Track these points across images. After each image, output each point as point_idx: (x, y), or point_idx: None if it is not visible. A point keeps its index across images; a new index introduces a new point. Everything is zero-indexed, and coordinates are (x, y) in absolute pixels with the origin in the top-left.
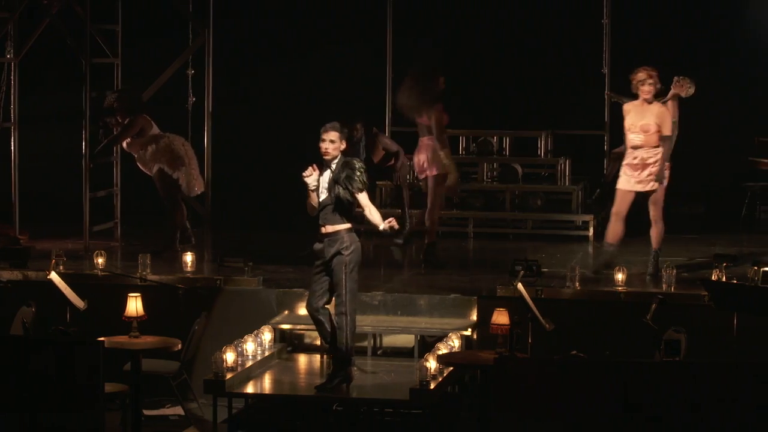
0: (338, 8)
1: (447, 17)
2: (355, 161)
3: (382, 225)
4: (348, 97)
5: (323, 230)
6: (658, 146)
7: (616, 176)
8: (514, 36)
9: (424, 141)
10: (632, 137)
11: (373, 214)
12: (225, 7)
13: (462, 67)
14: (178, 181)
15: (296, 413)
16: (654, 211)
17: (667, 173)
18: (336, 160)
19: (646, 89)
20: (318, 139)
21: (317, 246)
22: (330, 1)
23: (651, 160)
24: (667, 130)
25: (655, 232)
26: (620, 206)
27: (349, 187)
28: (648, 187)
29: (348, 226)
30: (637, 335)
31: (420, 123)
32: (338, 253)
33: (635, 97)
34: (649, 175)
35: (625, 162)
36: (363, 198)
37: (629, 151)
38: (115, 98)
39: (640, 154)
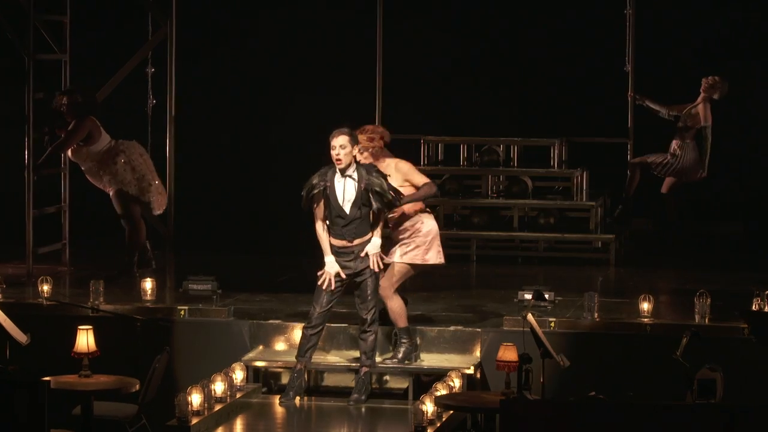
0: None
1: (448, 12)
2: (374, 171)
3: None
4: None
5: (349, 243)
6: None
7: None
8: (523, 29)
9: None
10: None
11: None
12: None
13: (464, 66)
14: (150, 205)
15: None
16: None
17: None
18: (352, 168)
19: (363, 154)
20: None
21: (335, 266)
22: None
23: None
24: (419, 179)
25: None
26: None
27: (383, 207)
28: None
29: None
30: (666, 373)
31: None
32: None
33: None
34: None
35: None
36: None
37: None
38: (66, 98)
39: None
